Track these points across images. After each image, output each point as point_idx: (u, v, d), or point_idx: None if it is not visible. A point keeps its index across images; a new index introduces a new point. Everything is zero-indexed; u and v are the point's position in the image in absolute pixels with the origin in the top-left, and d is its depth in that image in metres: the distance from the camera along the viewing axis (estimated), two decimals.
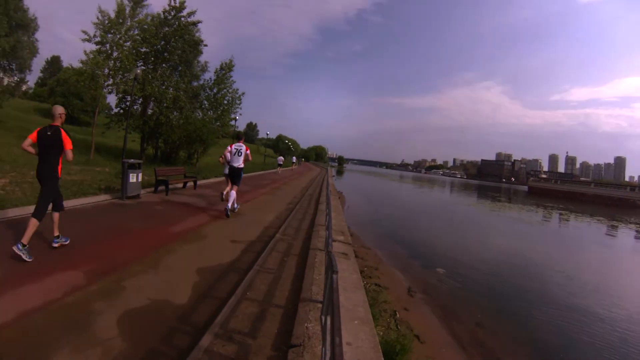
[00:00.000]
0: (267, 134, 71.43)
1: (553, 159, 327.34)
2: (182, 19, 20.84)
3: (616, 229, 28.26)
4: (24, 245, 4.47)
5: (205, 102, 23.75)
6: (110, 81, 18.58)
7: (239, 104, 25.26)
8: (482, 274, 11.21)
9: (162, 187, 11.61)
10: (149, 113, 20.44)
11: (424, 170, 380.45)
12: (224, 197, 11.10)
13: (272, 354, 3.07)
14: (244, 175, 10.68)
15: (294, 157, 64.91)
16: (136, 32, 19.69)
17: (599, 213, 41.14)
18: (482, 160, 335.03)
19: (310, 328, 3.39)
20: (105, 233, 6.34)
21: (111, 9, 18.94)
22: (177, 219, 8.18)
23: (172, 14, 20.60)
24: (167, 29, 20.33)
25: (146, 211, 8.39)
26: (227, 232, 7.45)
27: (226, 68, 24.07)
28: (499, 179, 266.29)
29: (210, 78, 23.99)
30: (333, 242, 5.62)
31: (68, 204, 8.02)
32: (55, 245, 5.07)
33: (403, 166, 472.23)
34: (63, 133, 4.95)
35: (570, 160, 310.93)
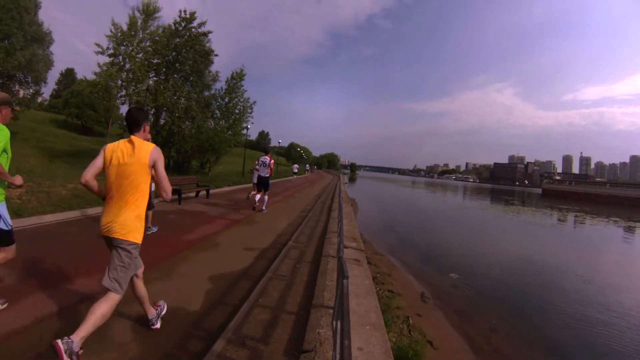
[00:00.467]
0: (279, 142, 71.75)
1: (567, 160, 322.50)
2: (193, 29, 21.21)
3: (634, 231, 27.68)
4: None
5: (217, 112, 24.04)
6: (123, 92, 18.96)
7: (251, 113, 25.54)
8: (497, 279, 11.09)
9: (175, 196, 11.75)
10: (162, 123, 20.76)
11: (437, 175, 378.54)
12: (250, 197, 12.51)
13: None
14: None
15: (307, 165, 65.31)
16: (148, 43, 20.11)
17: (615, 214, 40.37)
18: (494, 163, 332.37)
19: (322, 333, 3.41)
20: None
21: (124, 22, 19.41)
22: (191, 227, 8.30)
23: (183, 25, 20.99)
24: (178, 40, 20.71)
25: (160, 220, 8.49)
26: (240, 240, 7.52)
27: (237, 77, 24.37)
28: (512, 182, 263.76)
29: (221, 87, 24.29)
30: (345, 248, 5.65)
31: (85, 212, 8.23)
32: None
33: (415, 172, 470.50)
34: None
35: (585, 161, 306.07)
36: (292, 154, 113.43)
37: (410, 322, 6.89)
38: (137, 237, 2.93)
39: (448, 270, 11.35)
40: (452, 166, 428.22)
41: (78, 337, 2.52)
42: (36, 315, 3.43)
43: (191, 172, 22.13)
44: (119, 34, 19.40)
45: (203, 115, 22.49)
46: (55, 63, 23.26)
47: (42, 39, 21.39)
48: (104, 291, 2.84)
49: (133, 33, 19.95)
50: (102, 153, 2.95)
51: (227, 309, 4.07)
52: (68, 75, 68.11)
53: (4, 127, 3.29)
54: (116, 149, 2.94)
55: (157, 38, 20.10)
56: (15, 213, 6.79)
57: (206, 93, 23.71)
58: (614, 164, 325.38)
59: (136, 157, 2.91)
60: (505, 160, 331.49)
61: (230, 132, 24.16)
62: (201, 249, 6.55)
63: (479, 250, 15.62)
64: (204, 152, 22.56)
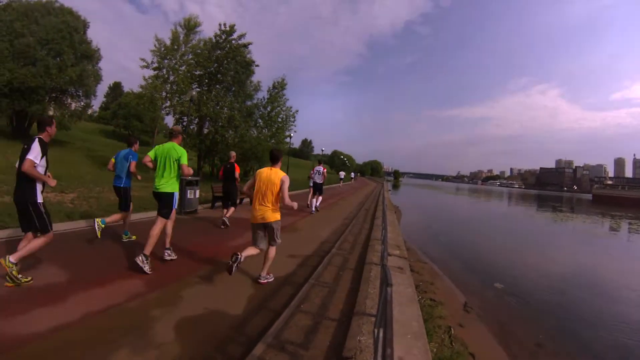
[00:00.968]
0: (322, 150, 71.83)
1: (619, 163, 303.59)
2: (233, 41, 21.77)
3: None
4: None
5: (260, 121, 24.43)
6: (168, 103, 19.72)
7: (293, 122, 25.80)
8: (544, 291, 10.57)
9: (219, 203, 11.96)
10: (205, 132, 21.40)
11: (480, 181, 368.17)
12: (309, 203, 14.25)
13: None
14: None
15: (352, 173, 65.70)
16: (190, 56, 20.88)
17: None
18: (540, 168, 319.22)
19: (363, 341, 3.36)
20: (164, 246, 6.66)
21: (167, 37, 20.27)
22: (234, 233, 8.42)
23: (223, 37, 21.62)
24: (219, 52, 21.35)
25: (203, 226, 8.71)
26: (284, 247, 7.50)
27: (279, 86, 24.74)
28: (559, 187, 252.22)
29: (263, 97, 24.72)
30: (388, 256, 5.57)
31: (131, 217, 8.55)
32: None
33: (459, 178, 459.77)
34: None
35: (639, 164, 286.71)
36: (335, 161, 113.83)
37: (452, 332, 6.69)
38: (278, 218, 5.07)
39: (492, 280, 10.96)
40: (496, 172, 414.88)
41: (264, 273, 5.17)
42: (108, 303, 3.85)
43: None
44: (163, 49, 20.26)
45: (246, 124, 22.95)
46: (104, 77, 24.59)
47: (91, 55, 22.73)
48: (270, 250, 5.17)
49: (176, 47, 20.77)
50: (256, 175, 5.14)
51: (268, 314, 4.08)
52: (116, 88, 71.79)
53: None
54: (265, 172, 5.03)
55: (199, 51, 20.82)
56: (67, 216, 7.18)
57: (248, 103, 24.18)
58: None
59: (273, 178, 4.93)
60: (552, 165, 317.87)
61: (273, 141, 24.49)
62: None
63: (525, 260, 14.97)
64: (248, 160, 22.97)
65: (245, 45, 22.19)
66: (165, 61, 20.29)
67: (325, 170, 14.38)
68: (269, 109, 24.43)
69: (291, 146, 30.32)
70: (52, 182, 4.37)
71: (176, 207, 5.61)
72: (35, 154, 4.08)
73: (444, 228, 23.40)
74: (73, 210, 7.69)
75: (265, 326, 3.74)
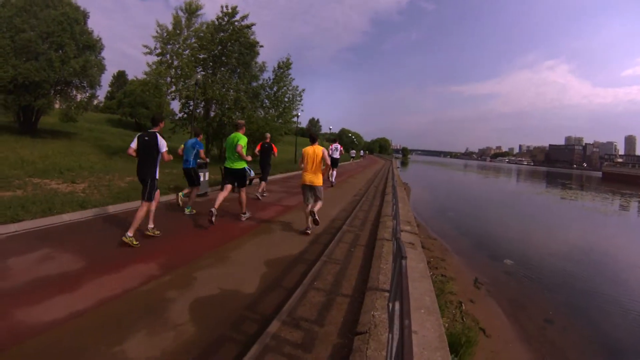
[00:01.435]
0: (330, 129, 71.23)
1: (630, 141, 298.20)
2: (236, 23, 21.52)
3: None
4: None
5: (266, 101, 24.31)
6: (173, 88, 19.64)
7: (300, 101, 25.64)
8: (554, 267, 10.59)
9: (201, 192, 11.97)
10: (212, 115, 21.37)
11: (489, 158, 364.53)
12: (328, 176, 15.25)
13: (338, 341, 3.11)
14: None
15: (362, 151, 66.11)
16: (193, 40, 20.69)
17: None
18: (549, 145, 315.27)
19: (377, 316, 3.39)
20: (179, 228, 6.76)
21: (168, 22, 20.10)
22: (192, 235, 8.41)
23: (226, 19, 21.35)
24: (222, 34, 21.12)
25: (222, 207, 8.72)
26: (295, 226, 7.59)
27: (284, 66, 24.53)
28: (569, 164, 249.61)
29: (269, 77, 24.54)
30: (400, 231, 5.58)
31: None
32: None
33: (467, 155, 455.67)
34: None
35: None
36: (343, 139, 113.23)
37: (463, 308, 6.75)
38: (321, 183, 6.89)
39: (502, 257, 10.98)
40: (505, 149, 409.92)
41: (316, 214, 6.80)
42: (125, 287, 3.98)
43: None
44: (165, 34, 20.11)
45: (252, 105, 22.83)
46: (108, 67, 24.49)
47: (93, 45, 22.57)
48: (313, 205, 6.90)
49: (178, 32, 20.62)
50: (303, 152, 6.92)
51: (281, 292, 4.14)
52: (120, 77, 71.40)
53: None
54: (310, 149, 6.88)
55: (201, 34, 20.63)
56: (80, 205, 7.27)
57: (254, 84, 24.00)
58: None
59: (318, 152, 6.79)
60: (561, 142, 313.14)
61: (280, 121, 24.39)
62: (256, 235, 6.71)
63: (535, 237, 14.95)
64: (255, 141, 22.93)
65: (249, 27, 21.94)
66: (169, 46, 20.17)
67: (341, 147, 15.68)
68: (275, 89, 24.27)
69: (299, 125, 30.15)
70: (169, 158, 6.01)
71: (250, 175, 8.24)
72: (164, 144, 5.83)
73: (453, 205, 23.39)
74: (85, 200, 7.75)
75: (279, 304, 3.79)
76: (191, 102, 19.83)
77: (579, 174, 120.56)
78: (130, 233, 5.36)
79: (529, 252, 11.98)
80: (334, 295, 4.02)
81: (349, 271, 4.88)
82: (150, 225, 6.02)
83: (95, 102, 35.17)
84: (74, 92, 23.28)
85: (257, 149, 10.75)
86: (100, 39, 23.48)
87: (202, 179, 10.18)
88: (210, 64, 21.26)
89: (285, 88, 24.52)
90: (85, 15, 22.56)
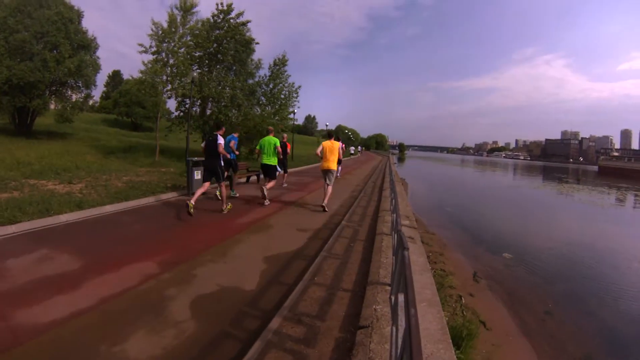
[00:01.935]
0: (327, 125, 71.34)
1: (625, 135, 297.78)
2: (232, 20, 21.41)
3: None
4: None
5: (263, 98, 24.21)
6: (169, 87, 19.54)
7: (296, 97, 25.57)
8: (552, 260, 10.63)
9: (226, 183, 12.02)
10: (208, 113, 21.29)
11: (486, 153, 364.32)
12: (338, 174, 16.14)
13: (340, 336, 3.10)
14: (287, 167, 14.40)
15: (360, 147, 66.79)
16: (189, 38, 20.56)
17: None
18: (546, 139, 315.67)
19: (379, 310, 3.38)
20: (176, 227, 6.75)
21: (163, 20, 19.94)
22: (243, 211, 8.51)
23: (221, 17, 21.24)
24: (218, 31, 21.00)
25: (213, 205, 8.75)
26: (292, 221, 7.62)
27: (280, 63, 24.44)
28: (565, 159, 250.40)
29: (265, 75, 24.46)
30: (401, 224, 5.58)
31: (140, 202, 8.64)
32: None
33: (464, 150, 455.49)
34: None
35: None
36: (340, 136, 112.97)
37: (463, 301, 6.76)
38: (335, 168, 9.25)
39: (501, 250, 11.02)
40: (501, 143, 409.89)
41: (326, 202, 8.99)
42: (125, 285, 3.96)
43: (240, 158, 22.48)
44: (160, 32, 19.96)
45: (249, 102, 22.73)
46: (103, 66, 24.35)
47: (88, 45, 22.47)
48: (325, 187, 9.14)
49: (173, 30, 20.43)
50: (323, 145, 8.96)
51: (282, 288, 4.13)
52: (115, 76, 71.04)
53: None
54: (328, 143, 8.95)
55: (197, 32, 20.50)
56: (77, 206, 7.24)
57: (250, 81, 23.89)
58: None
59: (335, 145, 8.95)
60: (557, 136, 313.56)
61: (277, 118, 24.33)
62: (255, 231, 6.70)
63: (533, 230, 15.02)
64: (252, 138, 22.78)
65: (244, 24, 21.82)
66: (164, 44, 20.00)
67: (343, 145, 15.16)
68: (271, 86, 24.16)
69: (295, 122, 29.99)
70: (222, 152, 8.02)
71: (279, 171, 10.53)
72: (222, 142, 8.02)
73: (451, 199, 23.44)
74: (82, 200, 7.72)
75: (280, 300, 3.78)
76: (187, 100, 19.75)
77: (575, 168, 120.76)
78: (223, 206, 8.14)
79: (527, 246, 12.03)
80: (335, 290, 4.01)
81: (349, 266, 4.88)
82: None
83: (91, 102, 34.99)
84: (69, 92, 23.17)
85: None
86: (95, 38, 23.37)
87: (199, 177, 10.15)
88: (206, 61, 21.16)
89: (281, 85, 24.43)
90: (79, 15, 22.44)
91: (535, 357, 5.61)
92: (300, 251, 5.61)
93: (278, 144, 9.58)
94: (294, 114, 27.22)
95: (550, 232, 14.81)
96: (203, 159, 9.63)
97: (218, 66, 21.38)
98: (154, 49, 19.47)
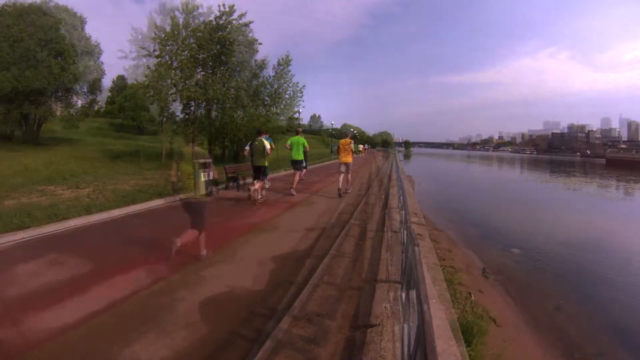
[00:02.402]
0: (332, 124, 71.64)
1: (632, 127, 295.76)
2: (234, 22, 21.47)
3: None
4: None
5: (267, 99, 24.25)
6: (174, 90, 19.63)
7: (301, 97, 25.58)
8: (562, 255, 10.50)
9: (232, 184, 12.11)
10: (213, 115, 21.37)
11: (492, 148, 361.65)
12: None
13: (350, 334, 3.10)
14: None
15: (367, 145, 67.57)
16: (192, 40, 20.65)
17: None
18: (552, 133, 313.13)
19: (389, 308, 3.37)
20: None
21: (166, 24, 20.06)
22: (250, 211, 8.53)
23: (224, 18, 21.30)
24: (220, 33, 21.07)
25: (220, 206, 8.75)
26: (300, 221, 7.58)
27: (284, 63, 24.45)
28: (572, 152, 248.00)
29: (269, 75, 24.50)
30: (410, 221, 5.56)
31: (148, 205, 8.66)
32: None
33: (470, 145, 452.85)
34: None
35: None
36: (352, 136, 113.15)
37: (473, 298, 6.70)
38: (351, 161, 11.61)
39: (509, 246, 10.92)
40: (507, 138, 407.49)
41: (344, 188, 11.49)
42: (135, 288, 3.96)
43: (246, 159, 22.46)
44: (163, 35, 20.07)
45: (253, 103, 22.76)
46: (107, 72, 24.57)
47: (91, 51, 22.71)
48: (345, 175, 11.49)
49: (176, 33, 20.56)
50: (340, 142, 11.86)
51: (292, 287, 4.12)
52: (120, 81, 71.51)
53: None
54: (343, 140, 11.77)
55: (199, 34, 20.58)
56: (85, 210, 7.27)
57: (254, 81, 23.94)
58: None
59: (347, 143, 11.61)
60: (563, 129, 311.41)
61: (282, 118, 24.35)
62: (262, 231, 6.70)
63: (542, 225, 14.84)
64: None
65: (247, 24, 21.90)
66: (167, 47, 20.11)
67: (352, 143, 15.41)
68: (275, 86, 24.19)
69: (300, 122, 29.98)
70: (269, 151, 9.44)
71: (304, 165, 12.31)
72: (268, 147, 9.30)
73: (458, 195, 23.34)
74: (90, 204, 7.75)
75: (290, 299, 3.77)
76: (192, 102, 19.82)
77: (583, 161, 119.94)
78: (258, 196, 9.26)
79: (537, 241, 11.91)
80: (345, 289, 4.01)
81: (358, 264, 4.86)
82: (259, 196, 9.38)
83: (97, 107, 35.34)
84: (75, 98, 23.41)
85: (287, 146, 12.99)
86: (98, 43, 23.61)
87: (205, 178, 10.13)
88: (210, 63, 21.22)
89: (285, 85, 24.45)
90: (82, 21, 22.66)
91: (547, 354, 5.55)
92: (310, 250, 5.60)
93: (306, 144, 11.61)
94: (299, 113, 27.23)
95: (559, 227, 14.65)
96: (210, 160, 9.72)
97: (222, 67, 21.43)
98: (157, 53, 19.58)
